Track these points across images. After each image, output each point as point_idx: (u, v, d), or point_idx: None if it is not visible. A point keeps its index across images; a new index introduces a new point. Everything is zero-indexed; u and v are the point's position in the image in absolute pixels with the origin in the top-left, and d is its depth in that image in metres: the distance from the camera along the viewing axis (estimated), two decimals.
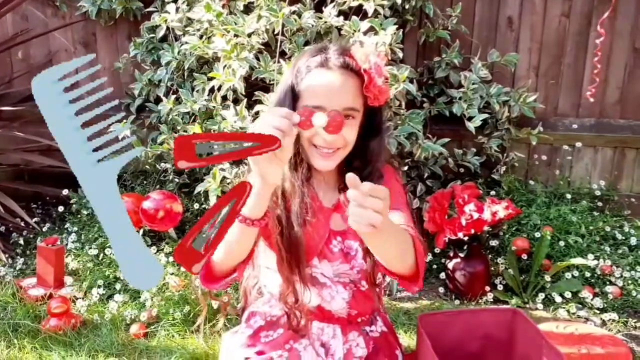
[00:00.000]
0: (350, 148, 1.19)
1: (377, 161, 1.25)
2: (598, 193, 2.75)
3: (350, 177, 0.88)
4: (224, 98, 2.26)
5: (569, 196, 2.67)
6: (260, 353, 1.29)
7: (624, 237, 2.53)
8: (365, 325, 1.36)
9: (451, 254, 2.34)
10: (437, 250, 2.40)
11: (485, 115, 2.46)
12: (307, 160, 1.20)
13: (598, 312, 2.17)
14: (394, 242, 1.01)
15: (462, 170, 2.63)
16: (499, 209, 2.16)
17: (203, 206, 2.47)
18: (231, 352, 1.34)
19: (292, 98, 1.15)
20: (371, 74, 1.15)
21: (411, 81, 2.26)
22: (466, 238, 2.21)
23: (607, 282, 2.31)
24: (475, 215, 2.16)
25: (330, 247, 1.25)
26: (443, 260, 2.41)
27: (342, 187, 1.26)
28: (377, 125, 1.24)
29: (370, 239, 0.98)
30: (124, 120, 2.56)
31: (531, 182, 2.80)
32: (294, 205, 1.18)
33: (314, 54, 1.17)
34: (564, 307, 2.19)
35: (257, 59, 2.20)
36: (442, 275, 2.39)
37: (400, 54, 2.19)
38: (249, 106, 2.19)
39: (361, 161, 1.24)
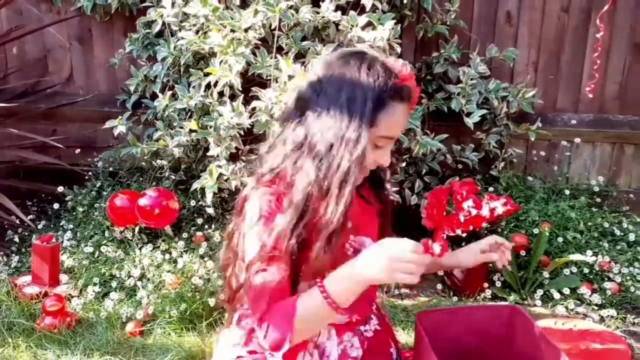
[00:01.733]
0: None
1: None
2: (597, 189, 2.74)
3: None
4: (221, 94, 2.24)
5: (567, 192, 2.66)
6: (252, 352, 1.28)
7: (622, 233, 2.52)
8: (360, 324, 1.35)
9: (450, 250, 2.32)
10: None
11: (484, 111, 2.45)
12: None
13: (596, 308, 2.16)
14: None
15: (460, 166, 2.62)
16: (498, 205, 2.15)
17: (200, 203, 2.45)
18: (223, 351, 1.33)
19: (369, 126, 1.09)
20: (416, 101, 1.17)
21: None
22: (464, 234, 2.19)
23: (606, 279, 2.30)
24: (474, 212, 2.15)
25: (345, 250, 1.22)
26: None
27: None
28: None
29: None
30: (120, 117, 2.54)
31: (530, 178, 2.79)
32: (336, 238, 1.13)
33: (388, 81, 1.09)
34: (562, 304, 2.18)
35: (254, 54, 2.17)
36: (440, 271, 2.37)
37: (399, 49, 2.17)
38: (246, 102, 2.18)
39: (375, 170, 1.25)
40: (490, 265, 2.36)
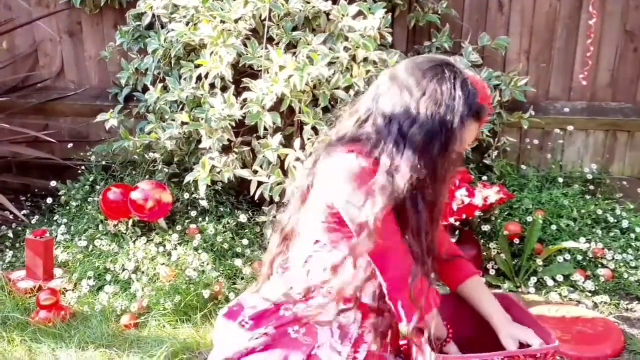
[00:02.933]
0: None
1: None
2: (590, 177, 2.74)
3: None
4: (212, 86, 2.23)
5: (561, 180, 2.67)
6: (278, 327, 1.24)
7: (615, 220, 2.53)
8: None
9: None
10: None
11: None
12: None
13: (590, 295, 2.17)
14: None
15: None
16: (491, 194, 2.15)
17: (193, 196, 2.44)
18: (234, 334, 1.26)
19: (448, 144, 1.16)
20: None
21: None
22: (458, 223, 2.20)
23: (599, 265, 2.31)
24: (467, 201, 2.15)
25: None
26: None
27: None
28: None
29: None
30: (111, 111, 2.53)
31: (523, 167, 2.79)
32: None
33: (472, 100, 1.16)
34: (556, 291, 2.19)
35: (245, 45, 2.17)
36: None
37: (390, 39, 2.17)
38: (238, 93, 2.17)
39: None
40: (484, 253, 2.37)
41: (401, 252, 1.19)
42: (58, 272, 2.20)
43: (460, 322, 1.51)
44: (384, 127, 1.18)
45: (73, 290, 2.12)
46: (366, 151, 1.19)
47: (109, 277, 2.16)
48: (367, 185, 1.15)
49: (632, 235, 2.45)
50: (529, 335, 1.32)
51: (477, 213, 2.21)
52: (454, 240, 2.28)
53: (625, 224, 2.50)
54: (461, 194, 2.16)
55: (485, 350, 1.42)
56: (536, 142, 2.81)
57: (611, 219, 2.52)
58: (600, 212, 2.53)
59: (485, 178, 2.61)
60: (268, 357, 1.20)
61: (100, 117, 2.51)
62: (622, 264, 2.32)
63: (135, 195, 2.22)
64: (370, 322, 1.31)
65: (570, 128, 2.77)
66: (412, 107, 1.15)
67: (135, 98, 2.73)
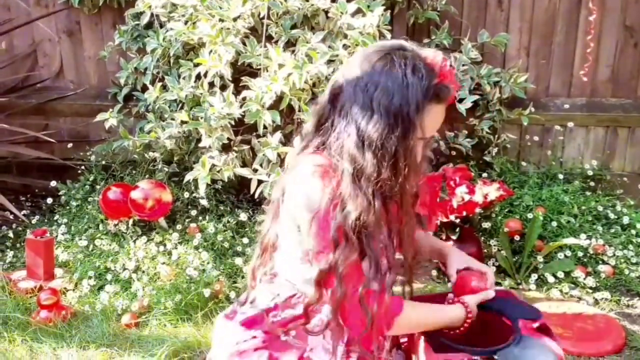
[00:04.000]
0: None
1: None
2: (590, 173, 2.74)
3: None
4: (211, 84, 2.23)
5: (561, 177, 2.67)
6: (267, 332, 1.24)
7: (616, 217, 2.52)
8: None
9: (443, 237, 2.33)
10: (429, 233, 2.39)
11: (476, 97, 2.44)
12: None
13: (591, 291, 2.17)
14: None
15: (453, 152, 2.62)
16: (491, 191, 2.15)
17: (193, 195, 2.44)
18: (236, 331, 1.27)
19: (407, 133, 1.09)
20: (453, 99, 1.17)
21: None
22: (458, 220, 2.20)
23: (600, 262, 2.31)
24: (467, 198, 2.15)
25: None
26: None
27: None
28: None
29: None
30: (110, 110, 2.53)
31: (523, 164, 2.79)
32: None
33: (427, 82, 1.08)
34: (557, 287, 2.19)
35: (244, 43, 2.16)
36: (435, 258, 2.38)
37: (389, 36, 2.16)
38: (237, 92, 2.17)
39: None
40: (485, 250, 2.37)
41: (356, 300, 1.12)
42: (58, 271, 2.20)
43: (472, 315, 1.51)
44: (343, 129, 1.12)
45: (73, 289, 2.13)
46: (329, 162, 1.13)
47: (109, 277, 2.16)
48: (327, 221, 1.09)
49: (633, 232, 2.45)
50: (480, 266, 1.39)
51: (477, 210, 2.21)
52: (454, 237, 2.28)
53: (625, 220, 2.49)
54: (461, 191, 2.16)
55: (484, 345, 1.45)
56: (536, 138, 2.81)
57: (612, 215, 2.52)
58: (600, 208, 2.53)
59: (485, 175, 2.61)
60: (259, 357, 1.20)
61: (99, 117, 2.51)
62: (622, 260, 2.31)
63: (135, 195, 2.22)
64: None
65: (570, 124, 2.77)
66: (367, 105, 1.09)
67: (134, 97, 2.73)
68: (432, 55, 1.12)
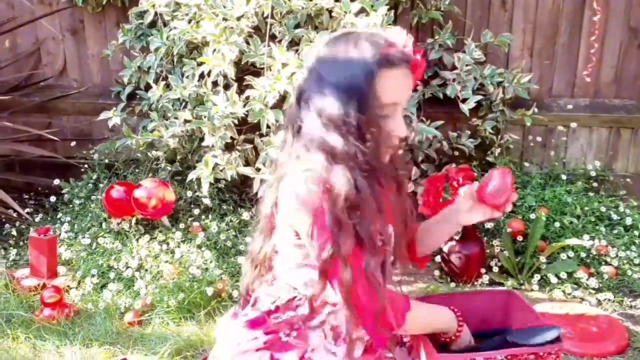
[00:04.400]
0: None
1: None
2: (593, 174, 2.74)
3: None
4: (215, 83, 2.23)
5: (564, 177, 2.66)
6: (268, 333, 1.27)
7: (619, 218, 2.52)
8: None
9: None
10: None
11: (479, 97, 2.44)
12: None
13: (593, 292, 2.17)
14: None
15: (456, 153, 2.61)
16: None
17: (196, 193, 2.45)
18: (238, 332, 1.27)
19: (369, 101, 1.10)
20: (417, 62, 1.15)
21: None
22: None
23: (603, 263, 2.30)
24: None
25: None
26: None
27: None
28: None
29: None
30: (114, 109, 2.53)
31: (526, 164, 2.79)
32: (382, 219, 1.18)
33: (372, 49, 1.10)
34: (559, 288, 2.19)
35: (247, 42, 2.16)
36: (438, 258, 2.38)
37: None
38: (240, 91, 2.17)
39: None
40: (487, 251, 2.37)
41: (364, 279, 1.12)
42: (61, 269, 2.21)
43: (465, 320, 1.50)
44: (308, 120, 1.14)
45: (76, 287, 2.13)
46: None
47: (112, 275, 2.16)
48: (321, 215, 1.09)
49: (636, 232, 2.45)
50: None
51: None
52: (457, 238, 2.28)
53: (628, 221, 2.49)
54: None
55: (487, 345, 1.40)
56: (539, 139, 2.80)
57: (614, 216, 2.52)
58: (603, 209, 2.53)
59: None
60: (260, 357, 1.20)
61: (102, 115, 2.51)
62: (625, 261, 2.31)
63: (138, 193, 2.23)
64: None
65: (574, 125, 2.76)
66: (320, 89, 1.12)
67: (137, 96, 2.73)
68: (386, 30, 1.17)
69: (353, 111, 1.10)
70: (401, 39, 1.14)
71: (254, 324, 1.28)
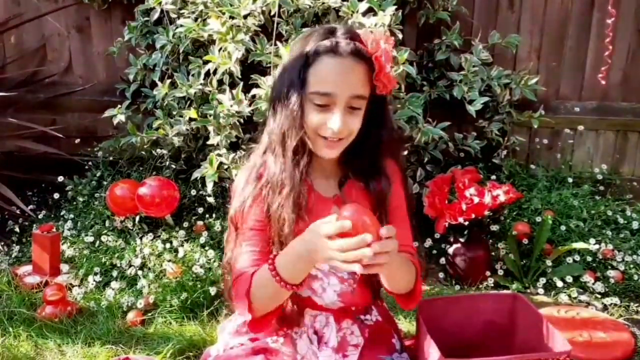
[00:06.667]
0: (353, 137, 1.17)
1: (381, 154, 1.24)
2: (600, 177, 2.71)
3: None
4: (220, 82, 2.22)
5: (570, 180, 2.64)
6: (254, 339, 1.28)
7: (625, 221, 2.50)
8: (359, 313, 1.34)
9: (451, 239, 2.31)
10: (437, 235, 2.38)
11: (486, 99, 2.42)
12: (310, 149, 1.18)
13: (599, 296, 2.15)
14: (399, 274, 1.14)
15: (462, 154, 2.60)
16: (500, 193, 2.13)
17: (200, 192, 2.43)
18: (225, 337, 1.33)
19: (300, 84, 1.12)
20: (382, 62, 1.12)
21: (411, 64, 2.22)
22: (466, 223, 2.18)
23: (609, 267, 2.28)
24: (476, 200, 2.13)
25: None
26: (443, 246, 2.39)
27: (342, 178, 1.25)
28: (382, 115, 1.21)
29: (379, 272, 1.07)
30: (119, 106, 2.52)
31: (532, 167, 2.76)
32: (288, 201, 1.15)
33: (321, 38, 1.13)
34: (565, 292, 2.17)
35: (254, 41, 2.15)
36: (442, 260, 2.36)
37: (400, 36, 2.15)
38: (246, 90, 2.15)
39: (365, 152, 1.22)
40: (493, 253, 2.35)
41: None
42: (64, 267, 2.20)
43: (469, 327, 1.49)
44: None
45: (79, 285, 2.12)
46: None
47: (115, 273, 2.15)
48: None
49: None
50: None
51: (486, 213, 2.18)
52: (462, 240, 2.26)
53: (635, 225, 2.47)
54: (470, 193, 2.14)
55: (491, 352, 1.38)
56: (545, 141, 2.78)
57: (621, 220, 2.50)
58: (610, 212, 2.50)
59: (493, 177, 2.59)
60: None
61: (107, 113, 2.50)
62: (632, 266, 2.29)
63: (142, 191, 2.21)
64: (348, 322, 1.30)
65: (581, 128, 2.74)
66: (275, 78, 1.24)
67: (142, 94, 2.72)
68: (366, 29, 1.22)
69: (286, 89, 1.13)
70: (374, 37, 1.12)
71: (239, 331, 1.28)
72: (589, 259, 2.29)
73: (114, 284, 2.08)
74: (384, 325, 1.37)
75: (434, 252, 2.42)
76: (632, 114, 2.76)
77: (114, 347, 1.77)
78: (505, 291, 2.20)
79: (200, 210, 2.40)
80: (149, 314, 1.94)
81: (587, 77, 2.75)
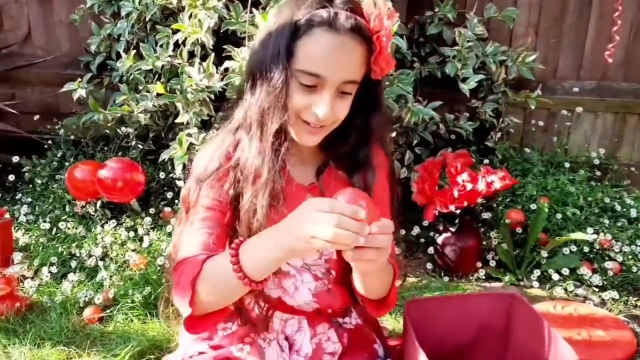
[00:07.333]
0: (338, 124, 1.01)
1: (369, 141, 1.07)
2: (597, 162, 2.57)
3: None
4: (191, 54, 2.01)
5: (567, 165, 2.50)
6: (216, 347, 1.12)
7: (623, 209, 2.36)
8: (337, 316, 1.18)
9: (441, 228, 2.16)
10: (425, 223, 2.21)
11: (481, 76, 2.24)
12: (290, 134, 1.00)
13: (597, 290, 2.01)
14: (377, 279, 1.02)
15: (453, 137, 2.43)
16: (495, 179, 1.97)
17: (170, 175, 2.24)
18: (185, 344, 1.18)
19: (286, 57, 0.93)
20: (383, 43, 0.94)
21: (400, 37, 2.03)
22: (458, 211, 2.02)
23: (606, 257, 2.15)
24: (469, 186, 1.97)
25: None
26: (432, 234, 2.23)
27: (321, 165, 1.09)
28: (375, 99, 1.04)
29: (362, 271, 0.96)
30: (79, 80, 2.30)
31: (527, 150, 2.61)
32: (263, 192, 0.98)
33: (317, 4, 0.93)
34: (561, 285, 2.03)
35: (227, 8, 1.94)
36: (431, 250, 2.21)
37: (390, 5, 1.94)
38: (219, 63, 1.95)
39: (351, 137, 1.05)
40: (484, 243, 2.20)
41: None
42: (17, 256, 1.99)
43: (460, 328, 1.35)
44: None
45: (32, 277, 1.92)
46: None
47: (73, 264, 1.95)
48: None
49: None
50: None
51: (479, 200, 2.02)
52: (453, 229, 2.11)
53: (633, 213, 2.34)
54: (463, 179, 1.98)
55: (485, 358, 1.30)
56: (541, 123, 2.63)
57: (618, 208, 2.36)
58: (607, 200, 2.37)
59: (486, 161, 2.43)
60: None
61: (67, 87, 2.28)
62: (630, 256, 2.16)
63: (102, 174, 2.01)
64: (324, 327, 1.15)
65: (579, 109, 2.59)
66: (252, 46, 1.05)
67: (108, 67, 2.50)
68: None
69: (267, 64, 0.95)
70: (379, 12, 0.93)
71: (200, 336, 1.13)
72: (586, 249, 2.15)
73: (72, 276, 1.89)
74: (365, 329, 1.22)
75: (422, 240, 2.27)
76: (632, 95, 2.62)
77: (66, 348, 1.59)
78: (498, 287, 2.05)
79: (170, 195, 2.20)
80: (108, 310, 1.75)
81: (586, 56, 2.59)
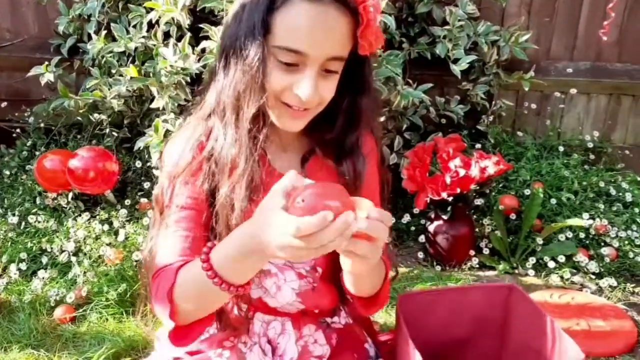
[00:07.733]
0: (324, 107, 0.91)
1: (358, 126, 0.98)
2: (590, 145, 2.50)
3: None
4: (167, 35, 1.89)
5: (561, 149, 2.42)
6: (193, 353, 1.02)
7: (618, 193, 2.30)
8: (325, 316, 1.09)
9: (432, 215, 2.07)
10: (416, 210, 2.13)
11: (473, 57, 2.14)
12: (269, 119, 0.91)
13: (593, 277, 1.95)
14: (370, 274, 0.94)
15: (443, 120, 2.33)
16: (489, 165, 1.88)
17: (148, 164, 2.12)
18: (160, 349, 1.09)
19: (262, 32, 0.84)
20: (370, 13, 0.84)
21: (389, 16, 1.92)
22: (450, 199, 1.93)
23: (602, 243, 2.09)
24: (462, 172, 1.88)
25: None
26: (423, 222, 2.15)
27: (306, 153, 1.00)
28: (363, 78, 0.95)
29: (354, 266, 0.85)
30: (47, 63, 2.16)
31: (519, 134, 2.53)
32: (240, 184, 0.89)
33: None
34: (556, 273, 1.97)
35: None
36: (422, 238, 2.12)
37: None
38: (197, 43, 1.83)
39: (338, 122, 0.96)
40: (477, 230, 2.13)
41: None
42: None
43: (455, 323, 1.28)
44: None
45: (0, 275, 1.80)
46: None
47: (44, 260, 1.84)
48: None
49: (636, 210, 2.23)
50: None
51: (473, 187, 1.94)
52: (445, 217, 2.02)
53: (628, 197, 2.27)
54: (455, 165, 1.89)
55: (481, 353, 1.25)
56: (534, 106, 2.54)
57: (613, 192, 2.30)
58: (602, 184, 2.30)
59: (478, 146, 2.34)
60: None
61: (33, 71, 2.15)
62: (626, 242, 2.10)
63: (73, 164, 1.89)
64: (310, 329, 1.06)
65: (573, 91, 2.50)
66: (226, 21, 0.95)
67: (80, 50, 2.36)
68: None
69: (243, 39, 0.85)
70: None
71: (178, 338, 1.03)
72: (582, 235, 2.08)
73: (42, 273, 1.78)
74: (356, 328, 1.14)
75: (412, 229, 2.19)
76: (627, 76, 2.54)
77: (36, 351, 1.49)
78: (498, 283, 1.98)
79: (147, 184, 2.09)
80: (81, 310, 1.65)
81: (580, 35, 2.50)
